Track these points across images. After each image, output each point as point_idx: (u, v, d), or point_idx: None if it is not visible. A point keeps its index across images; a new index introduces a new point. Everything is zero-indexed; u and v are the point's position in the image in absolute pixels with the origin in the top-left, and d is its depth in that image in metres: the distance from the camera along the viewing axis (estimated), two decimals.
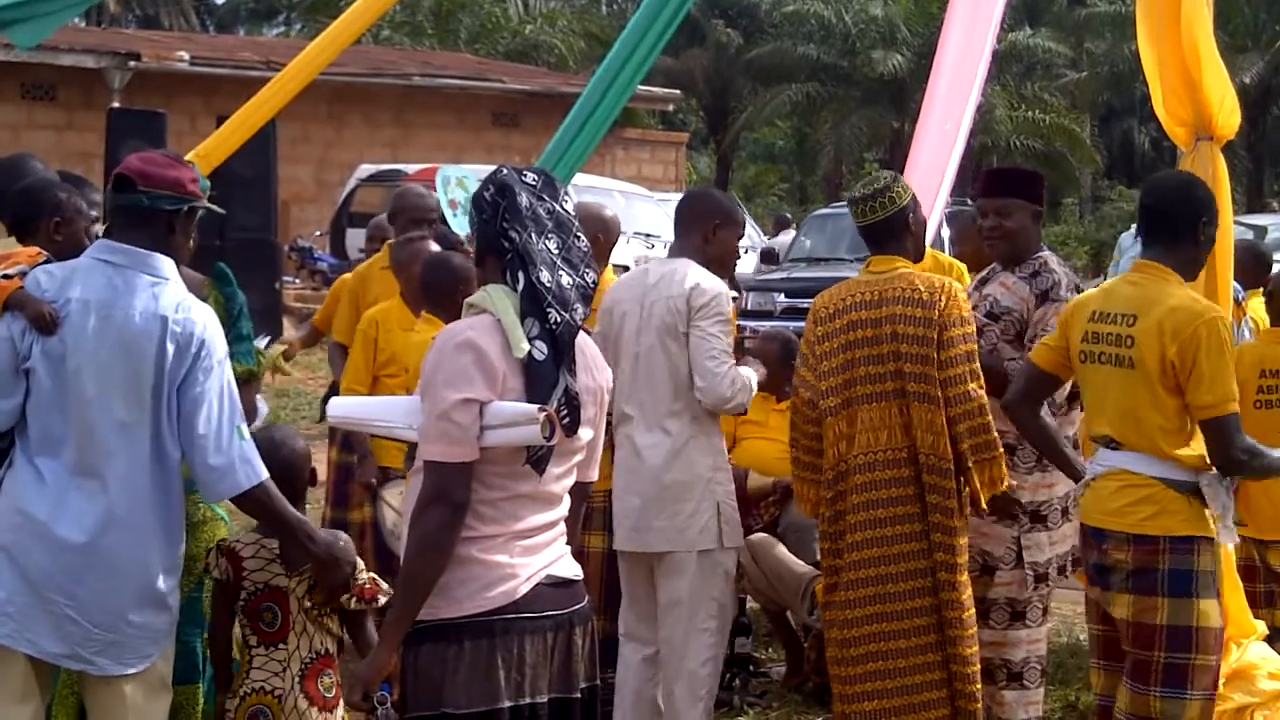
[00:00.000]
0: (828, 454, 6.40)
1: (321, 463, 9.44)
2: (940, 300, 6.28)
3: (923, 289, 6.33)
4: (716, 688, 6.87)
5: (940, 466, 6.26)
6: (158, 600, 4.96)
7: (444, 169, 8.32)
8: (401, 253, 8.20)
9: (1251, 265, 9.55)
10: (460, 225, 8.00)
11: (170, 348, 4.86)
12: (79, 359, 4.81)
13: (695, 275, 6.63)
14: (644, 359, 6.68)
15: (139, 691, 5.00)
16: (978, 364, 6.33)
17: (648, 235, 22.86)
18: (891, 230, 6.48)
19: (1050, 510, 6.77)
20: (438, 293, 7.12)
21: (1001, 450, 6.36)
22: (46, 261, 5.04)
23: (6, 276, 4.86)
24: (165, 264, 4.96)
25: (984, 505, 6.40)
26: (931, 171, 9.04)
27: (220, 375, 4.94)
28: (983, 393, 6.30)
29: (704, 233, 6.78)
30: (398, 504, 7.32)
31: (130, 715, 4.99)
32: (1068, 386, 6.74)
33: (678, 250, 6.89)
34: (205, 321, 4.96)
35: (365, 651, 5.12)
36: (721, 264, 6.82)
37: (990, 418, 6.30)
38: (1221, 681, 6.67)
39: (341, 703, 5.34)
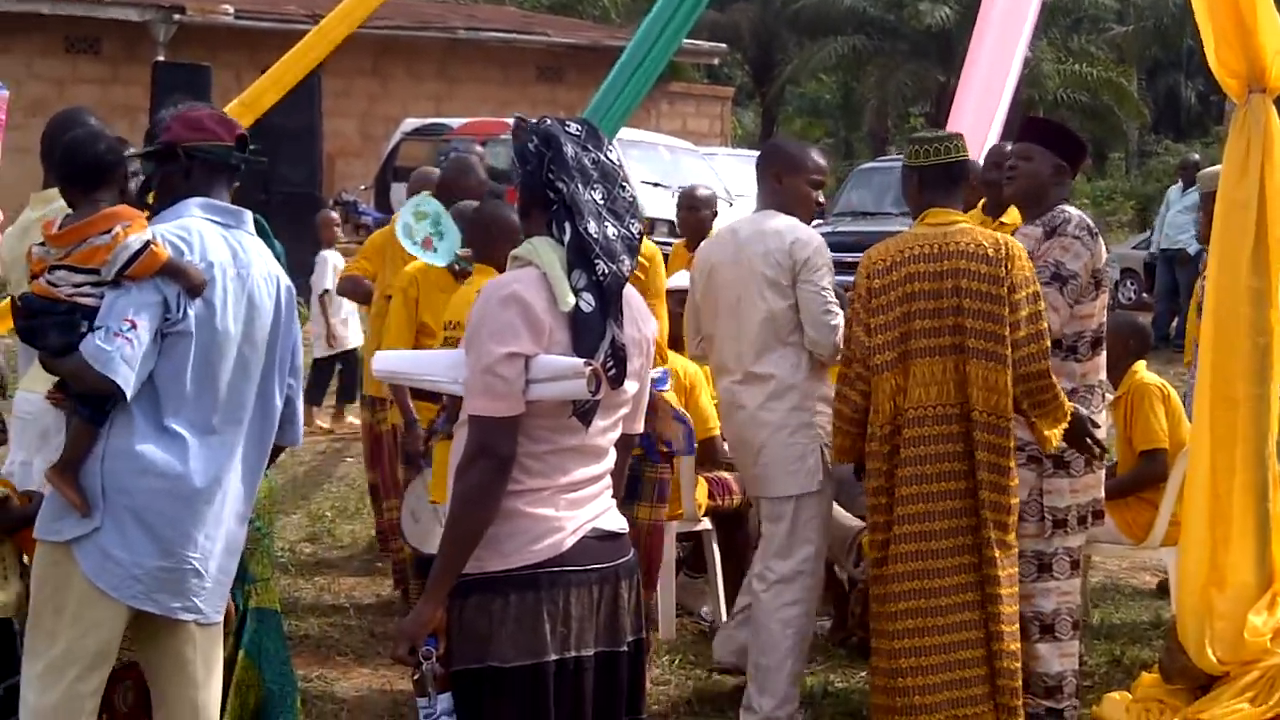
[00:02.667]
0: (883, 408, 6.38)
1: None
2: (1008, 259, 6.26)
3: (988, 246, 6.30)
4: (809, 629, 7.07)
5: (999, 425, 6.26)
6: (239, 547, 5.12)
7: (401, 212, 8.01)
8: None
9: None
10: (442, 256, 7.83)
11: (283, 305, 5.08)
12: (225, 320, 4.88)
13: (789, 226, 6.85)
14: (740, 311, 6.87)
15: (208, 639, 5.10)
16: (1045, 324, 6.33)
17: None
18: (952, 178, 6.48)
19: (1074, 457, 6.78)
20: (488, 244, 7.07)
21: (1062, 397, 6.38)
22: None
23: (131, 247, 4.80)
24: (251, 219, 5.09)
25: (1052, 448, 6.43)
26: (978, 126, 9.00)
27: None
28: (1048, 356, 6.34)
29: (772, 182, 6.98)
30: (415, 503, 7.38)
31: (199, 666, 5.07)
32: (1090, 332, 6.77)
33: (759, 204, 7.09)
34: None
35: None
36: (798, 212, 6.98)
37: (1054, 378, 6.35)
38: (1269, 636, 6.67)
39: None
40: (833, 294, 6.80)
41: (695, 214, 10.45)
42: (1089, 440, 6.71)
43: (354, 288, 9.76)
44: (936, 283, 6.32)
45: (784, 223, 6.85)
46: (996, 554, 6.28)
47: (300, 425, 5.30)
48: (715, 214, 10.53)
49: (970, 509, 6.30)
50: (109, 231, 4.76)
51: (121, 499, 4.77)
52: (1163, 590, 9.20)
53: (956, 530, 6.30)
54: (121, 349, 4.66)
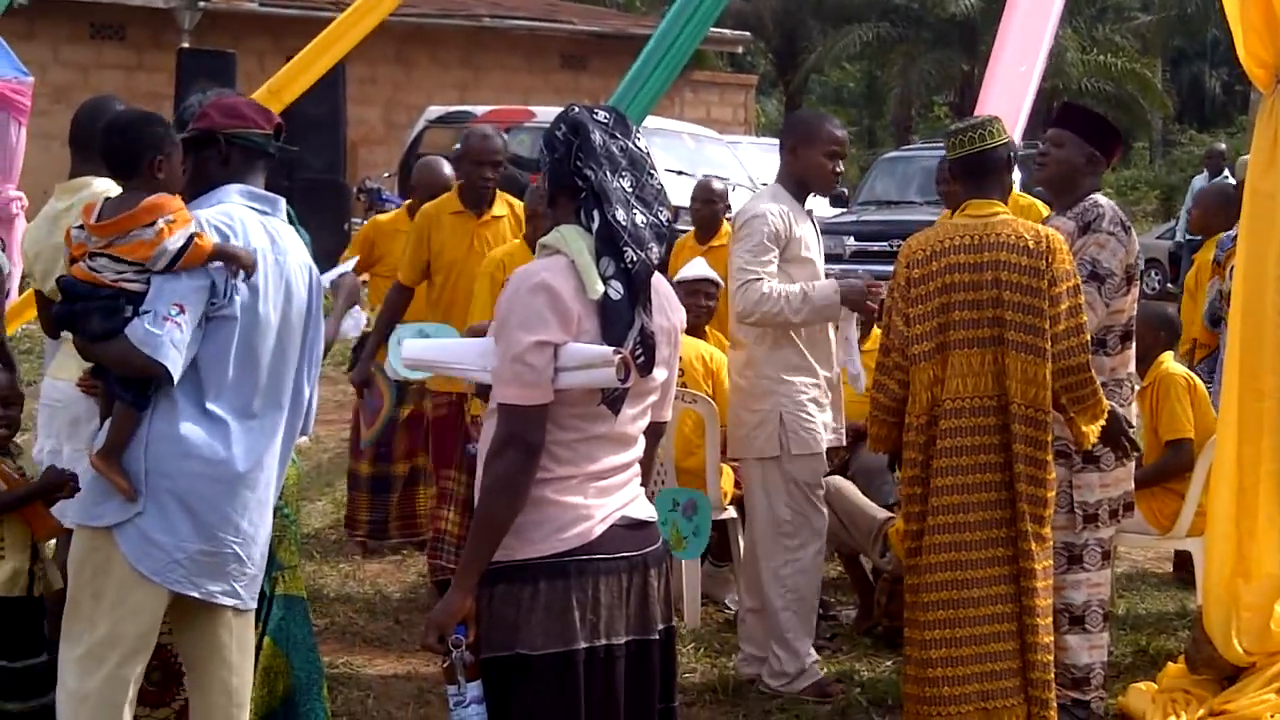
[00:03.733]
0: (920, 398, 6.36)
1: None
2: (1049, 252, 6.25)
3: (1029, 239, 6.28)
4: (811, 599, 7.29)
5: (1037, 419, 6.24)
6: (269, 535, 5.14)
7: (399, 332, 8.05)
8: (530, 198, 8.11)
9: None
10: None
11: (314, 293, 5.11)
12: (266, 306, 4.92)
13: (752, 203, 7.26)
14: (729, 285, 7.17)
15: (243, 624, 5.14)
16: (1084, 318, 6.32)
17: (717, 178, 22.74)
18: (991, 167, 6.45)
19: (1104, 452, 6.77)
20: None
21: (1100, 393, 6.38)
22: None
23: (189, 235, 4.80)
24: (284, 207, 5.13)
25: (1089, 445, 6.44)
26: (1005, 117, 8.98)
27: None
28: (1088, 350, 6.33)
29: (788, 154, 7.21)
30: None
31: (234, 650, 5.10)
32: (1120, 326, 6.76)
33: (777, 176, 7.37)
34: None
35: None
36: (811, 183, 7.20)
37: (1093, 371, 6.35)
38: None
39: None
40: (745, 260, 6.99)
41: (710, 206, 10.44)
42: (1124, 439, 6.71)
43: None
44: (976, 274, 6.29)
45: (751, 200, 7.32)
46: (1033, 546, 6.27)
47: (314, 414, 5.32)
48: (728, 207, 10.54)
49: (1005, 501, 6.29)
50: (152, 225, 4.76)
51: (164, 482, 4.79)
52: (1181, 577, 9.22)
53: (991, 522, 6.29)
54: (171, 333, 4.69)
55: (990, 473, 6.28)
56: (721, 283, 8.55)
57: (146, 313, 4.73)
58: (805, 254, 7.11)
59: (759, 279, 6.94)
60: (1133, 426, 6.83)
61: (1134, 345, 6.99)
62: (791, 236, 7.04)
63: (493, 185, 8.51)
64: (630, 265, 4.24)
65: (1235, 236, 8.47)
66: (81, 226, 4.89)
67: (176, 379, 4.73)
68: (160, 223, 4.75)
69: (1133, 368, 7.00)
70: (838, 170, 7.22)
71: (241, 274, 4.82)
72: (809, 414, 7.14)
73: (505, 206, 8.59)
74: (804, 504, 7.20)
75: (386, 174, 27.15)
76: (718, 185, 10.64)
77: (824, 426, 7.21)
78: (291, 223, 5.22)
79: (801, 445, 7.14)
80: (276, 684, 5.67)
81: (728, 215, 10.10)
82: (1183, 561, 9.27)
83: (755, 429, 7.15)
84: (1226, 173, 19.58)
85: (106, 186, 5.41)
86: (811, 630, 7.36)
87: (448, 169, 9.49)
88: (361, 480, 9.69)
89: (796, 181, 7.19)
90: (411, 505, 9.81)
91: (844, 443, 7.62)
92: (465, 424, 8.20)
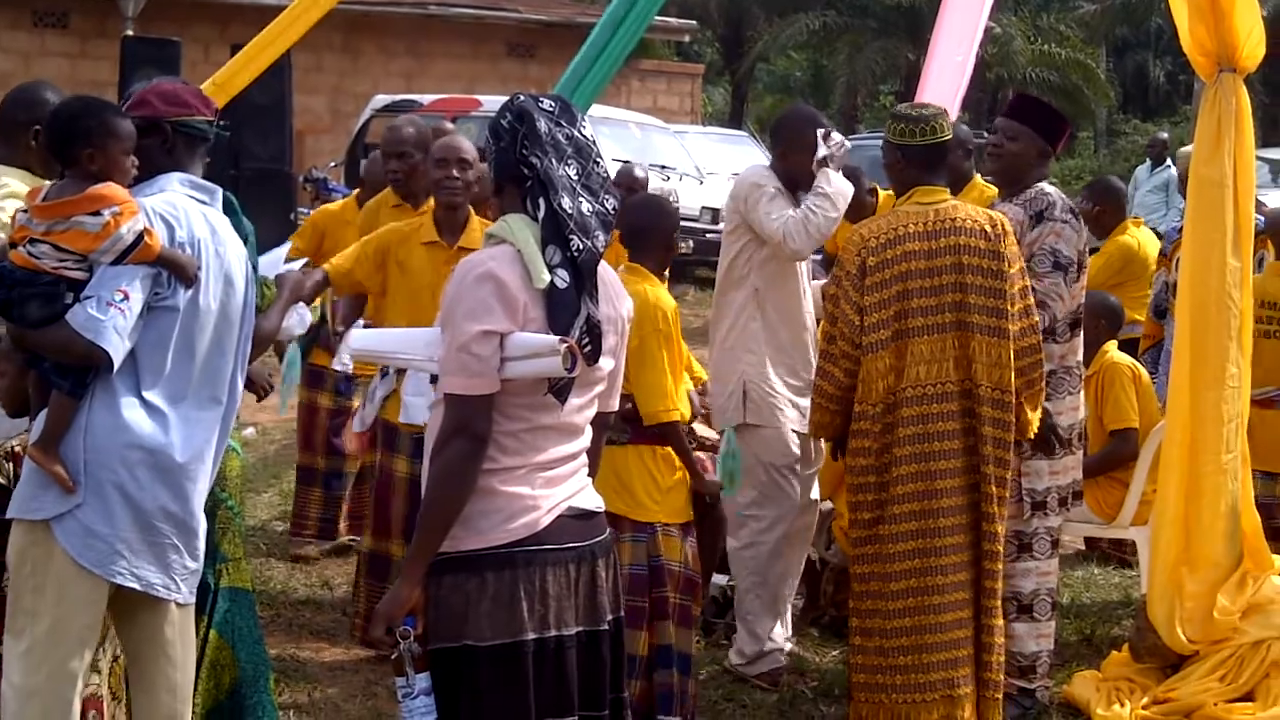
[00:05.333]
0: (874, 387, 6.36)
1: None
2: (1004, 235, 6.31)
3: (984, 222, 6.35)
4: (776, 584, 7.33)
5: (1003, 400, 6.30)
6: (206, 529, 5.07)
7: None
8: None
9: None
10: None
11: (249, 285, 5.07)
12: (206, 297, 4.89)
13: (745, 173, 7.62)
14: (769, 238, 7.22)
15: (185, 618, 5.08)
16: (1032, 300, 6.39)
17: (663, 167, 22.76)
18: (942, 158, 6.52)
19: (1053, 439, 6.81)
20: (642, 237, 6.73)
21: (1044, 381, 6.44)
22: None
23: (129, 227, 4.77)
24: (221, 197, 5.09)
25: (1032, 434, 6.48)
26: (942, 103, 9.00)
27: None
28: (1039, 330, 6.43)
29: (776, 156, 7.46)
30: None
31: (177, 645, 5.05)
32: (1069, 314, 6.80)
33: (772, 162, 7.56)
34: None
35: None
36: (799, 185, 7.30)
37: (1043, 354, 6.44)
38: (1238, 615, 6.71)
39: None
40: (775, 209, 7.13)
41: (631, 195, 10.40)
42: (1053, 436, 6.75)
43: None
44: (933, 260, 6.31)
45: (750, 172, 7.55)
46: (998, 529, 6.32)
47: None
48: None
49: (967, 487, 6.32)
50: (97, 215, 4.72)
51: (104, 473, 4.74)
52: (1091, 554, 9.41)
53: (955, 509, 6.31)
54: (114, 319, 4.65)
55: (954, 459, 6.30)
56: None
57: (89, 298, 4.69)
58: None
59: (788, 217, 7.08)
60: (1060, 429, 6.85)
61: (1082, 334, 7.03)
62: None
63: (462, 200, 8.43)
64: (576, 253, 4.24)
65: (1181, 228, 8.54)
66: (26, 209, 4.85)
67: (117, 366, 4.69)
68: (106, 214, 4.70)
69: (1080, 356, 7.04)
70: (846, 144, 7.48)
71: (184, 283, 4.80)
72: (772, 389, 7.21)
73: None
74: (770, 486, 7.22)
75: (333, 163, 27.03)
76: (639, 173, 10.61)
77: (793, 406, 7.22)
78: (236, 213, 5.18)
79: (760, 417, 7.19)
80: (222, 677, 5.64)
81: None
82: (1092, 542, 9.37)
83: (728, 398, 7.28)
84: (1169, 162, 19.69)
85: (19, 188, 5.31)
86: (777, 614, 7.34)
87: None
88: (316, 475, 9.52)
89: (785, 182, 7.31)
90: (361, 503, 9.67)
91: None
92: None
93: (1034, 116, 7.09)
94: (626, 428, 6.37)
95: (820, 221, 7.04)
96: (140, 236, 4.69)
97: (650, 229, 6.72)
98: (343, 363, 7.99)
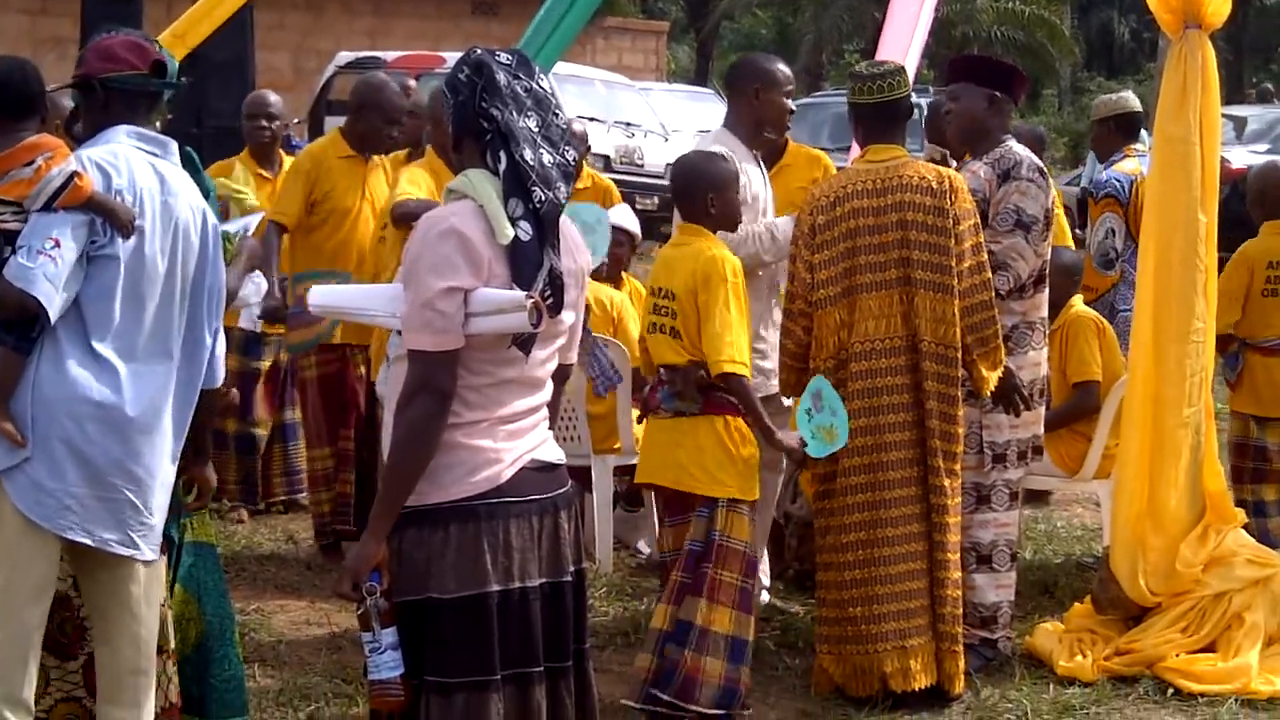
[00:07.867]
0: (826, 343, 6.41)
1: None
2: (951, 191, 6.32)
3: (931, 179, 6.36)
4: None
5: (948, 356, 6.33)
6: (170, 484, 5.05)
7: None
8: None
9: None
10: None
11: (209, 241, 5.03)
12: (153, 248, 4.85)
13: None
14: None
15: (151, 575, 5.06)
16: (985, 257, 6.40)
17: (628, 124, 22.73)
18: (896, 116, 6.54)
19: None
20: (684, 198, 6.50)
21: (1001, 338, 6.44)
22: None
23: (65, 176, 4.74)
24: (176, 150, 5.04)
25: (986, 394, 6.48)
26: (897, 56, 9.01)
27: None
28: (991, 287, 6.43)
29: (748, 99, 7.20)
30: None
31: (141, 602, 5.03)
32: (1034, 271, 6.82)
33: (728, 120, 7.31)
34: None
35: None
36: (773, 124, 7.24)
37: (996, 310, 6.44)
38: (1200, 567, 6.76)
39: None
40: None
41: None
42: (1017, 395, 6.75)
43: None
44: (879, 217, 6.37)
45: (702, 145, 7.27)
46: (945, 483, 6.36)
47: (221, 366, 5.21)
48: (589, 149, 10.57)
49: (917, 440, 6.38)
50: (31, 164, 4.72)
51: (52, 428, 4.71)
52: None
53: (904, 462, 6.37)
54: (44, 266, 4.61)
55: (903, 413, 6.36)
56: (639, 235, 8.65)
57: (21, 248, 4.67)
58: (748, 197, 7.02)
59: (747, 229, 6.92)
60: (1024, 385, 6.85)
61: (1047, 290, 7.05)
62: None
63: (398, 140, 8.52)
64: (539, 205, 4.24)
65: (1117, 176, 8.63)
66: None
67: (54, 316, 4.65)
68: (39, 160, 4.72)
69: (1045, 312, 7.06)
70: (793, 110, 7.35)
71: (119, 230, 4.76)
72: None
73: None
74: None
75: (296, 120, 26.93)
76: (578, 127, 10.59)
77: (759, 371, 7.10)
78: (195, 169, 5.16)
79: None
80: (189, 630, 5.62)
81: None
82: (1033, 495, 9.19)
83: None
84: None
85: None
86: None
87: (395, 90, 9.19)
88: (227, 438, 9.21)
89: (754, 124, 7.21)
90: (285, 462, 9.56)
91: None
92: (353, 380, 8.19)
93: (970, 72, 7.23)
94: (698, 397, 6.15)
95: (752, 250, 6.91)
96: (70, 178, 4.67)
97: (689, 190, 6.44)
98: (252, 319, 7.96)
